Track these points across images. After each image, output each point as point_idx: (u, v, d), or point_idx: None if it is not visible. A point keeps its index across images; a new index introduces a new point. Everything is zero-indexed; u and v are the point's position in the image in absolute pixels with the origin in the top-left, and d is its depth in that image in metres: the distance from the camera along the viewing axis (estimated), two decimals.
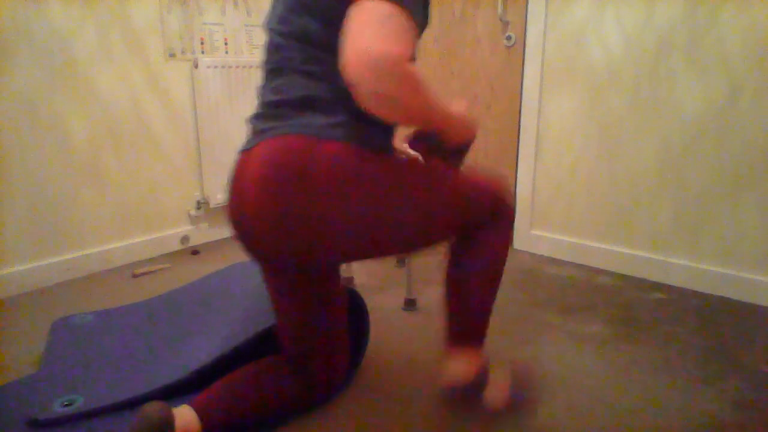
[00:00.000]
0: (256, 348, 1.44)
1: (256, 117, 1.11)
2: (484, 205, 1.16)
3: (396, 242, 1.07)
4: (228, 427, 1.12)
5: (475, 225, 1.18)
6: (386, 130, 1.08)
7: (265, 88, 1.11)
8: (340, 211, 0.99)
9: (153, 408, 1.00)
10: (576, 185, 2.22)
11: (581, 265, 2.25)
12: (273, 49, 1.09)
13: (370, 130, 1.05)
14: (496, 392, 1.16)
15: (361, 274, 2.15)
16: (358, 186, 0.99)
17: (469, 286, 1.19)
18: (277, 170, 0.99)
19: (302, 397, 1.23)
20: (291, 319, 1.19)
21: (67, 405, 1.26)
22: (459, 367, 1.19)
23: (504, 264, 1.22)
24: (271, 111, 1.07)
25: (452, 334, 1.22)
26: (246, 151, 1.08)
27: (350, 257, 1.07)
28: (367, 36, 0.85)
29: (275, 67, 1.08)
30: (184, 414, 1.06)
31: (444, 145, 1.16)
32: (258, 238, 1.05)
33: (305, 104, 1.04)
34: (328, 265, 1.15)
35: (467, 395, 1.18)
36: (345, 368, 1.29)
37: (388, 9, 0.87)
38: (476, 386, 1.18)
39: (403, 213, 1.04)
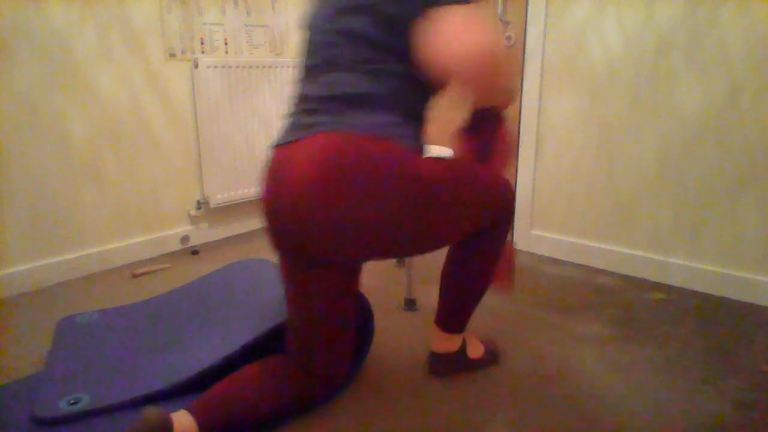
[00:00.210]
0: (262, 347, 1.45)
1: (300, 112, 1.11)
2: (496, 207, 1.22)
3: (427, 242, 1.12)
4: (227, 428, 1.11)
5: (483, 227, 1.24)
6: (422, 130, 1.14)
7: (309, 83, 1.11)
8: (390, 210, 1.01)
9: (151, 414, 0.99)
10: (576, 185, 2.22)
11: (581, 265, 2.25)
12: (321, 45, 1.10)
13: (418, 130, 1.10)
14: (475, 350, 1.47)
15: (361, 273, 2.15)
16: (411, 186, 1.02)
17: (464, 286, 1.33)
18: (331, 165, 0.99)
19: (302, 397, 1.23)
20: (305, 313, 1.19)
21: (73, 404, 1.26)
22: (442, 343, 1.42)
23: (496, 266, 1.33)
24: (321, 106, 1.07)
25: (441, 318, 1.40)
26: (287, 145, 1.07)
27: (386, 255, 1.10)
28: (463, 32, 0.95)
29: (323, 63, 1.09)
30: (182, 419, 1.05)
31: (493, 117, 1.25)
32: (296, 232, 1.05)
33: (360, 101, 1.05)
34: (360, 261, 1.17)
35: (448, 364, 1.44)
36: (347, 368, 1.29)
37: (466, 8, 0.99)
38: (456, 358, 1.44)
39: (441, 215, 1.09)
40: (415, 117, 1.10)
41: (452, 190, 1.10)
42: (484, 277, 1.33)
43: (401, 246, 1.08)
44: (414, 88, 1.09)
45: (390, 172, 1.00)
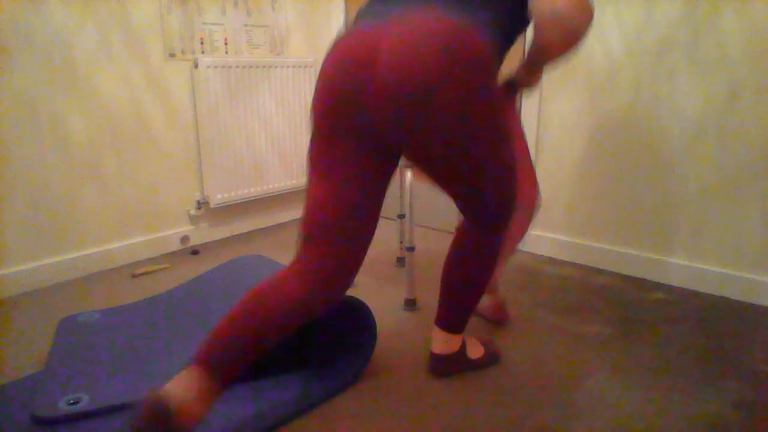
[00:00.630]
0: (269, 352, 1.44)
1: (379, 2, 1.11)
2: (508, 186, 1.23)
3: (464, 155, 1.11)
4: (237, 362, 1.07)
5: (488, 202, 1.22)
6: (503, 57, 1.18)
7: None
8: (461, 101, 1.03)
9: (147, 404, 0.97)
10: (576, 185, 2.22)
11: (581, 265, 2.25)
12: None
13: (503, 54, 1.16)
14: (475, 351, 1.48)
15: (361, 273, 2.15)
16: (486, 85, 1.06)
17: (464, 286, 1.35)
18: (426, 37, 0.99)
19: (306, 303, 1.14)
20: (331, 200, 1.14)
21: (73, 404, 1.26)
22: (443, 344, 1.42)
23: (495, 265, 1.34)
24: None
25: (441, 318, 1.41)
26: (366, 29, 1.06)
27: (432, 155, 1.11)
28: None
29: None
30: (181, 383, 1.02)
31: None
32: (364, 105, 1.06)
33: (461, 3, 1.06)
34: (413, 150, 1.13)
35: (449, 365, 1.44)
36: (349, 282, 1.20)
37: None
38: (456, 358, 1.44)
39: (486, 139, 1.11)
40: (505, 41, 1.14)
41: (498, 131, 1.13)
42: (484, 277, 1.34)
43: (449, 149, 1.09)
44: (510, 18, 1.14)
45: (477, 63, 1.03)
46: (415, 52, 0.99)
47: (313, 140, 1.16)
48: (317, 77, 1.13)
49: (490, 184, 1.19)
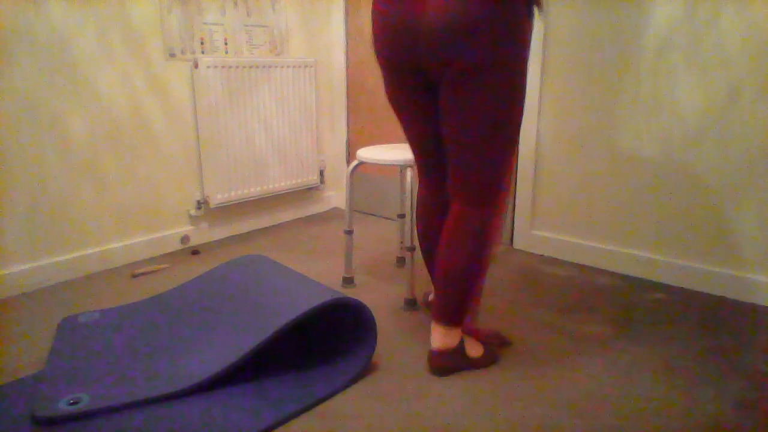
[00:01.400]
0: (268, 350, 1.45)
1: None
2: (506, 161, 1.33)
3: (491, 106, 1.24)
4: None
5: (498, 164, 1.32)
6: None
7: None
8: (495, 40, 1.16)
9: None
10: (576, 185, 2.22)
11: (581, 265, 2.25)
12: None
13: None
14: (474, 350, 1.48)
15: (361, 273, 2.15)
16: (521, 28, 1.18)
17: (457, 271, 1.36)
18: None
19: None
20: (415, 140, 1.46)
21: (73, 404, 1.26)
22: (441, 338, 1.44)
23: (489, 258, 1.39)
24: None
25: (437, 310, 1.43)
26: None
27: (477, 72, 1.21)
28: None
29: None
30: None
31: None
32: (416, 47, 1.23)
33: None
34: (448, 90, 1.27)
35: (447, 360, 1.45)
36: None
37: None
38: (455, 354, 1.45)
39: (516, 80, 1.23)
40: None
41: (520, 88, 1.25)
42: (476, 260, 1.34)
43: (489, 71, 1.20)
44: None
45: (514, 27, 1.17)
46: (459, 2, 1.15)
47: (385, 81, 1.41)
48: (373, 27, 1.33)
49: (495, 149, 1.29)
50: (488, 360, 1.49)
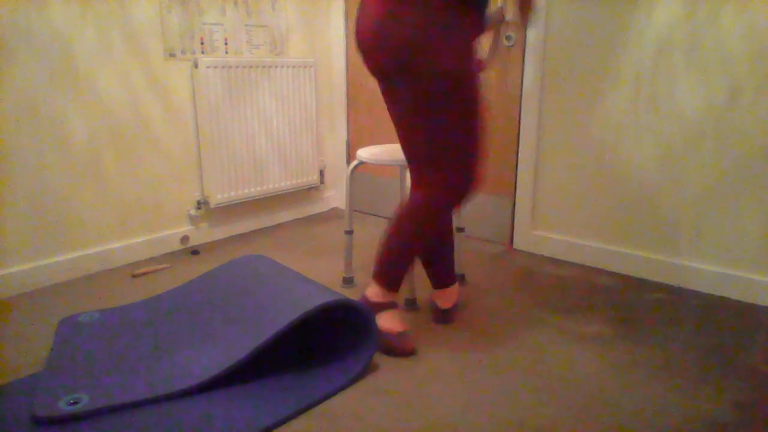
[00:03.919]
0: (268, 350, 1.45)
1: None
2: (457, 155, 1.44)
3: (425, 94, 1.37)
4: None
5: (438, 161, 1.45)
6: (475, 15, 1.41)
7: None
8: (406, 42, 1.32)
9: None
10: (576, 185, 2.22)
11: (581, 265, 2.25)
12: None
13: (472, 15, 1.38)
14: (389, 323, 1.55)
15: (361, 274, 2.15)
16: (432, 23, 1.32)
17: (390, 239, 1.53)
18: (374, 5, 1.35)
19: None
20: (400, 139, 1.55)
21: (73, 404, 1.26)
22: (372, 291, 1.57)
23: (420, 236, 1.51)
24: None
25: (375, 266, 1.57)
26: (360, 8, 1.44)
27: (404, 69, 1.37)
28: None
29: None
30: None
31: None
32: (369, 52, 1.41)
33: None
34: (392, 92, 1.47)
35: (369, 307, 1.55)
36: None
37: None
38: (374, 305, 1.56)
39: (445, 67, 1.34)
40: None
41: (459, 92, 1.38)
42: (406, 237, 1.50)
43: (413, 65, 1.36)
44: None
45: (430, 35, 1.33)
46: (370, 17, 1.37)
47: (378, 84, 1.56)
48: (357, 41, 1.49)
49: (425, 145, 1.44)
50: (391, 343, 1.54)
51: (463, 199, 1.51)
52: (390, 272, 1.53)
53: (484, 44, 1.68)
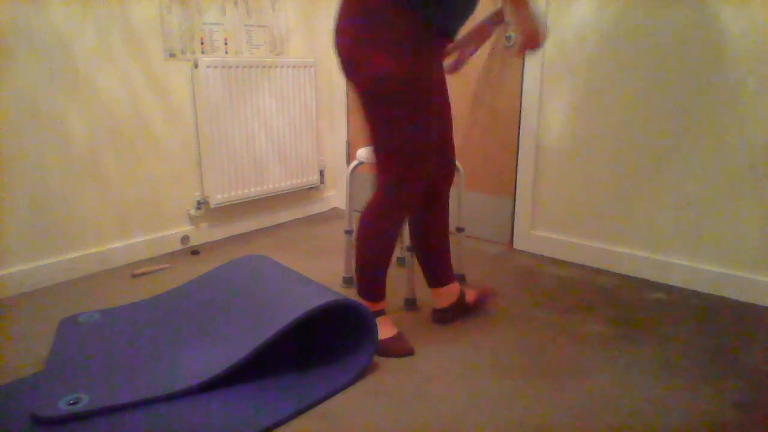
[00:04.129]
0: (268, 350, 1.45)
1: None
2: (394, 166, 1.44)
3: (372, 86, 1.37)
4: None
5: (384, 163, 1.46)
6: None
7: None
8: (349, 51, 1.36)
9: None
10: (576, 185, 2.22)
11: (581, 265, 2.25)
12: None
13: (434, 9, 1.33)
14: (384, 331, 1.57)
15: None
16: (374, 32, 1.32)
17: (357, 255, 1.55)
18: (342, 13, 1.37)
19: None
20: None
21: (73, 404, 1.26)
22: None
23: (379, 240, 1.50)
24: None
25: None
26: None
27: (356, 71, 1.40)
28: None
29: None
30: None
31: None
32: (339, 56, 1.42)
33: None
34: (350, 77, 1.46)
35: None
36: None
37: None
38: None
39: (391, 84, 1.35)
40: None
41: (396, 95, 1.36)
42: (360, 240, 1.52)
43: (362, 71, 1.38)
44: None
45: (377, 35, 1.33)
46: (337, 23, 1.40)
47: None
48: None
49: (377, 149, 1.45)
50: (391, 347, 1.56)
51: (404, 203, 1.47)
52: (369, 287, 1.55)
53: (482, 44, 1.69)
